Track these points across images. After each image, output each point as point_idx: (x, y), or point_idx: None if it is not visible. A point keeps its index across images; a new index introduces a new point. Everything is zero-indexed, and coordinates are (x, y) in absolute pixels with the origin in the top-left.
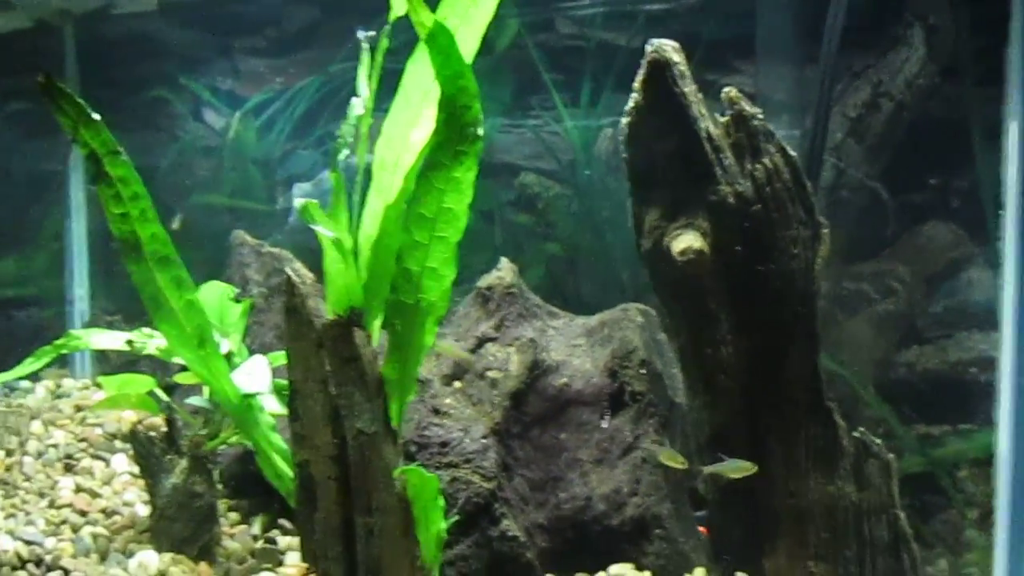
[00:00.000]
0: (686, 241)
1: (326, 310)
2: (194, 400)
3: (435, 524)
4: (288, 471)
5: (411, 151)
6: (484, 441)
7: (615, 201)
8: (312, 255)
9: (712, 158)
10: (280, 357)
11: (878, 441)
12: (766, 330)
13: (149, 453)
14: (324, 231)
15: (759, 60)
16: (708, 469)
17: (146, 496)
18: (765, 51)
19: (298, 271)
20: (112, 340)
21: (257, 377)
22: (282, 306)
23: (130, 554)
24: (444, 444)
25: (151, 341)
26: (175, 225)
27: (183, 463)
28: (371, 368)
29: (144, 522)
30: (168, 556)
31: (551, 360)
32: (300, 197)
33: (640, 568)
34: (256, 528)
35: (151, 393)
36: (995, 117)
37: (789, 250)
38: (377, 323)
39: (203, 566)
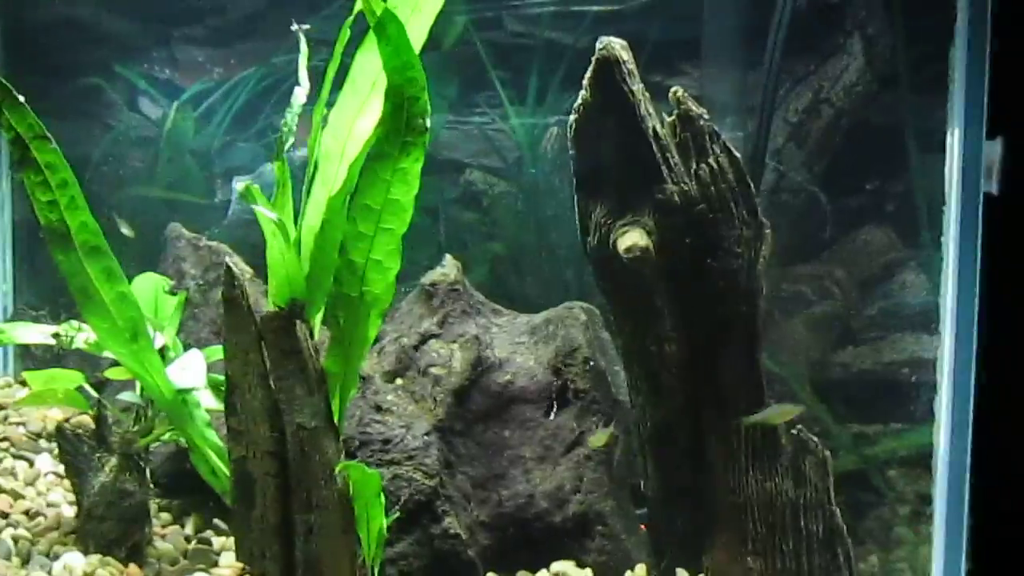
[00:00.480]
0: (632, 239)
1: (265, 304)
2: (126, 396)
3: (376, 521)
4: (224, 468)
5: (357, 141)
6: (426, 438)
7: (560, 200)
8: (252, 250)
9: (659, 157)
10: (216, 352)
11: (815, 438)
12: (709, 328)
13: (76, 451)
14: (267, 213)
15: (704, 62)
16: (751, 420)
17: (72, 496)
18: (710, 54)
19: (237, 263)
20: (37, 334)
21: (192, 372)
22: (220, 297)
23: (55, 556)
24: (386, 441)
25: (79, 335)
26: (125, 230)
27: (113, 461)
28: (312, 362)
29: (70, 523)
30: (96, 558)
31: (495, 357)
32: (239, 191)
33: (582, 565)
34: (189, 528)
35: (79, 389)
36: (930, 124)
37: (732, 249)
38: (319, 317)
39: (132, 568)
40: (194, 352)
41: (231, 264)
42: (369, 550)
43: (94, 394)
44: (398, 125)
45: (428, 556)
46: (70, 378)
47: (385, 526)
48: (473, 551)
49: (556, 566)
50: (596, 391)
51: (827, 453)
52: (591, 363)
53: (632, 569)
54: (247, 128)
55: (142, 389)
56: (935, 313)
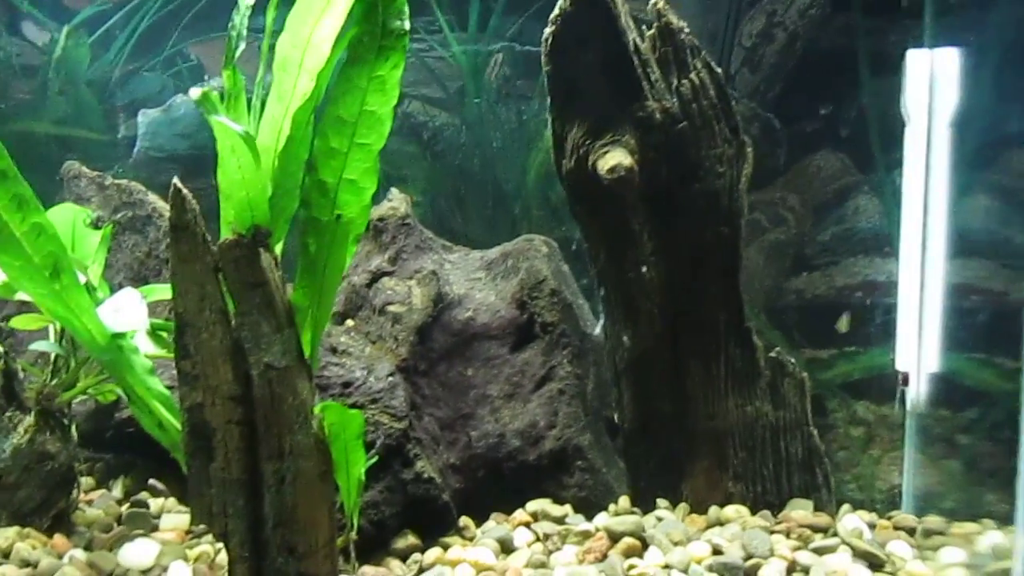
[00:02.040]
0: (615, 158)
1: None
2: (40, 345)
3: (357, 466)
4: (173, 420)
5: (318, 48)
6: (391, 379)
7: (506, 131)
8: (163, 191)
9: (639, 72)
10: (151, 291)
11: (792, 360)
12: (689, 251)
13: None
14: (232, 124)
15: None
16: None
17: None
18: None
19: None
20: None
21: (129, 313)
22: (169, 224)
23: None
24: (347, 384)
25: None
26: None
27: (28, 420)
28: (280, 294)
29: None
30: (12, 531)
31: (453, 293)
32: (147, 125)
33: (560, 502)
34: (118, 491)
35: None
36: (883, 48)
37: (714, 169)
38: (279, 247)
39: (58, 539)
40: (128, 291)
41: (179, 185)
42: (349, 497)
43: None
44: (373, 28)
45: (401, 503)
46: None
47: (363, 472)
48: (447, 495)
49: (533, 505)
50: (564, 323)
51: (804, 374)
52: (558, 295)
53: (615, 502)
54: (153, 55)
55: (61, 336)
56: (887, 237)
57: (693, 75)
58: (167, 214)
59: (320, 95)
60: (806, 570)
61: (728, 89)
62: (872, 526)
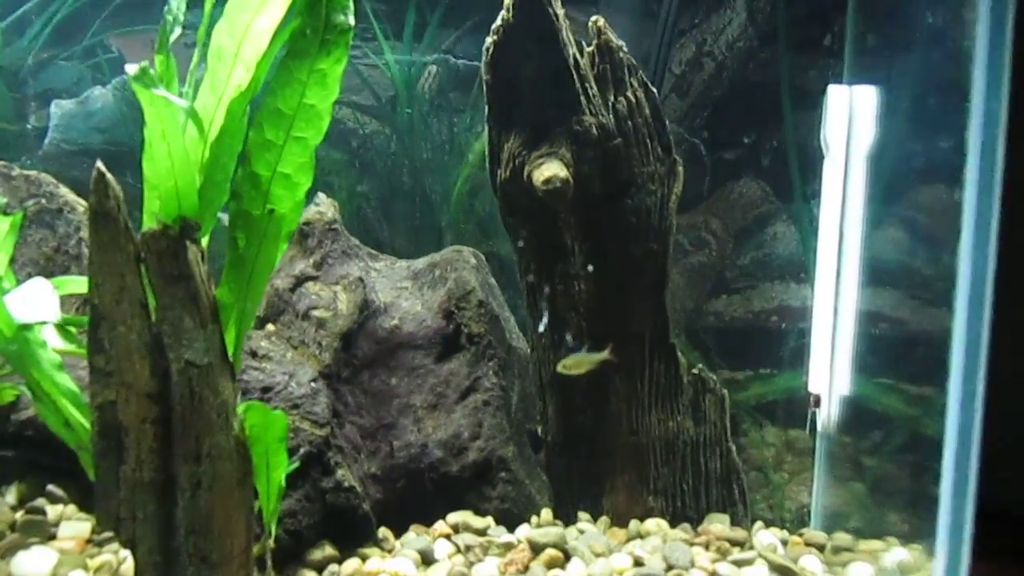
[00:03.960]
0: (551, 169)
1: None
2: None
3: (278, 471)
4: (81, 418)
5: (256, 39)
6: (313, 385)
7: (436, 143)
8: (74, 184)
9: (578, 87)
10: (63, 283)
11: (714, 377)
12: (619, 266)
13: None
14: (175, 100)
15: (600, 7)
16: (563, 363)
17: None
18: (607, 1)
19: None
20: None
21: (39, 304)
22: (89, 211)
23: None
24: (267, 389)
25: None
26: None
27: None
28: (205, 289)
29: None
30: None
31: (379, 301)
32: (60, 116)
33: (482, 514)
34: (11, 497)
35: None
36: (805, 83)
37: (647, 186)
38: (205, 240)
39: None
40: (38, 280)
41: (103, 170)
42: (268, 503)
43: None
44: (316, 21)
45: (319, 512)
46: None
47: (284, 478)
48: (367, 505)
49: (454, 516)
50: (491, 335)
51: (725, 392)
52: (485, 307)
53: (538, 514)
54: (70, 44)
55: None
56: (803, 263)
57: (630, 93)
58: (79, 208)
59: (257, 87)
60: None
61: (662, 109)
62: (784, 542)
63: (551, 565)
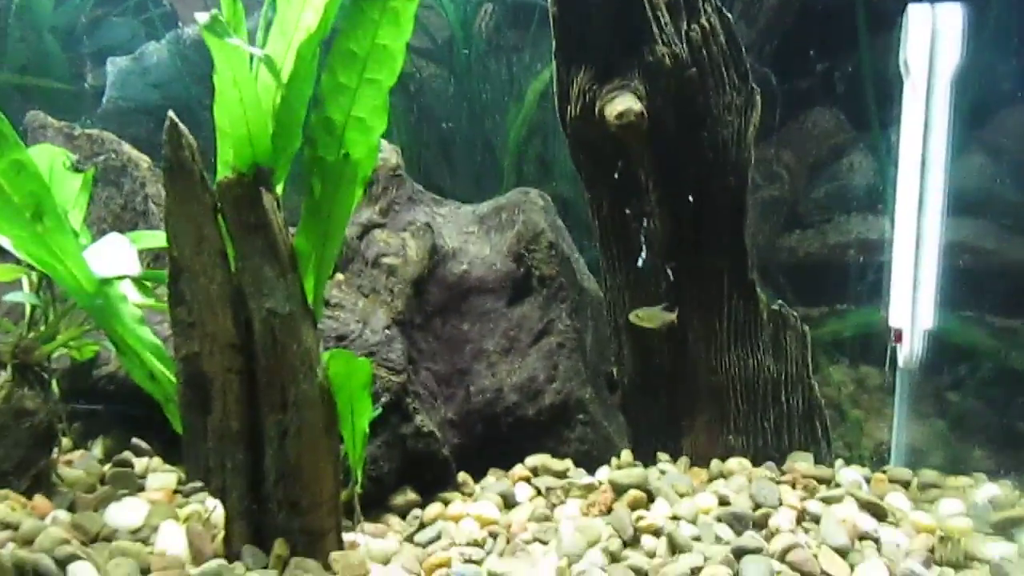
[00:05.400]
0: (624, 103)
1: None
2: (15, 296)
3: (363, 417)
4: (166, 370)
5: None
6: (388, 332)
7: (494, 84)
8: (133, 142)
9: (650, 15)
10: (138, 237)
11: (794, 312)
12: (695, 201)
13: None
14: (251, 49)
15: None
16: (635, 314)
17: None
18: None
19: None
20: None
21: (119, 259)
22: (164, 163)
23: None
24: (341, 337)
25: None
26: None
27: (3, 375)
28: (283, 237)
29: None
30: None
31: (447, 247)
32: (117, 74)
33: (560, 456)
34: (97, 451)
35: None
36: (882, 4)
37: (723, 117)
38: (280, 188)
39: (39, 500)
40: (113, 236)
41: (176, 120)
42: (354, 451)
43: None
44: None
45: (399, 458)
46: None
47: (368, 424)
48: (447, 450)
49: (532, 460)
50: (562, 276)
51: (806, 327)
52: (556, 248)
53: (617, 456)
54: (122, 1)
55: (39, 286)
56: (880, 194)
57: (703, 19)
58: (143, 164)
59: (327, 29)
60: (816, 519)
61: (738, 35)
62: (867, 480)
63: (635, 506)
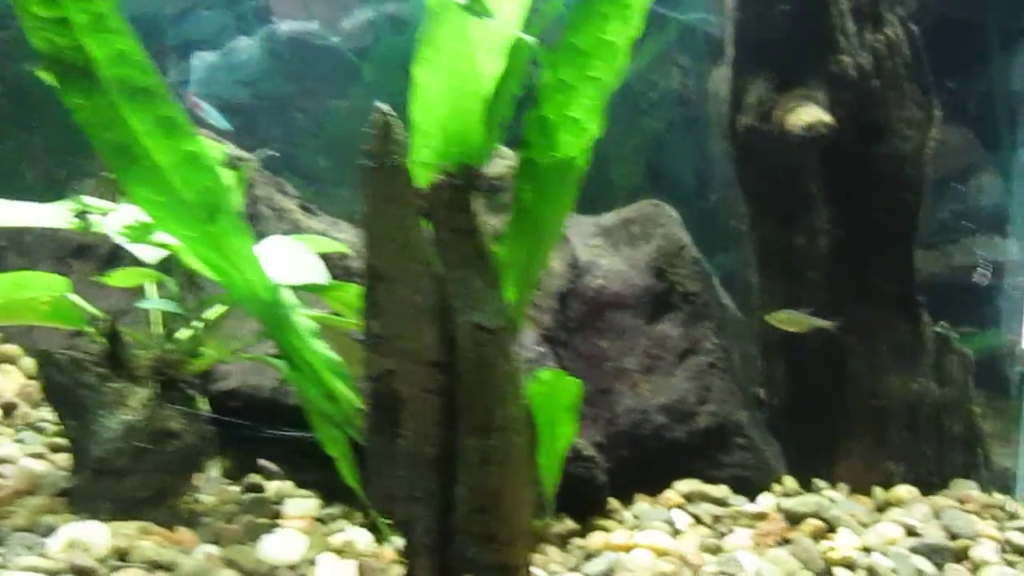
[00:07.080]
0: (813, 114)
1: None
2: (152, 303)
3: (561, 441)
4: (346, 389)
5: None
6: (539, 349)
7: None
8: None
9: (836, 23)
10: (309, 241)
11: (956, 335)
12: (867, 218)
13: (75, 383)
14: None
15: None
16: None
17: (38, 445)
18: None
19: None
20: (37, 214)
21: (304, 265)
22: (369, 157)
23: (46, 530)
24: None
25: (112, 216)
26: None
27: (141, 393)
28: (491, 247)
29: (53, 482)
30: (133, 525)
31: (581, 260)
32: (201, 69)
33: (711, 481)
34: (215, 472)
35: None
36: (1015, 22)
37: (902, 131)
38: None
39: (183, 532)
40: (280, 238)
41: (385, 111)
42: (550, 479)
43: (88, 307)
44: None
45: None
46: (50, 283)
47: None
48: (604, 474)
49: (684, 485)
50: (707, 293)
51: (969, 351)
52: (699, 264)
53: (778, 481)
54: None
55: (180, 292)
56: (1007, 216)
57: (889, 30)
58: (250, 164)
59: (544, 20)
60: (1019, 550)
61: (922, 48)
62: None
63: (816, 536)
